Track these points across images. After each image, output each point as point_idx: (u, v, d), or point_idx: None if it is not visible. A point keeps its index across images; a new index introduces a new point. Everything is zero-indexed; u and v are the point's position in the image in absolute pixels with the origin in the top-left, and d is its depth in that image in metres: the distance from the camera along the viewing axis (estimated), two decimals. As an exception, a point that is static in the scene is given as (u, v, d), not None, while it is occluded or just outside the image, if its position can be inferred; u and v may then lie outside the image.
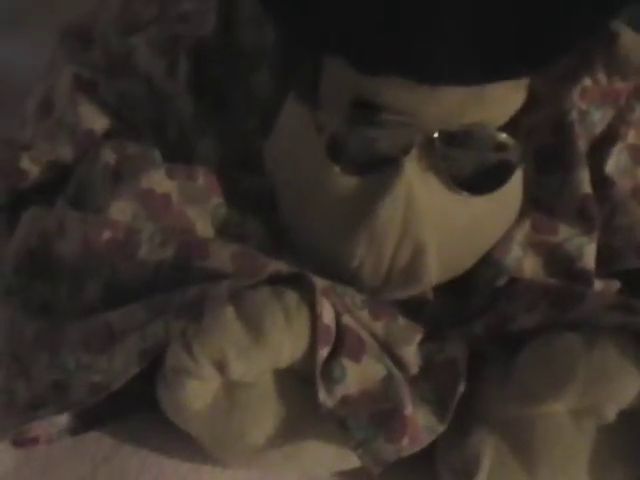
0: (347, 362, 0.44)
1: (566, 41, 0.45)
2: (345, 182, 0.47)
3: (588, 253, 0.51)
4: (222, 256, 0.47)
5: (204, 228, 0.50)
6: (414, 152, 0.46)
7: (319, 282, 0.45)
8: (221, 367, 0.43)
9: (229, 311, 0.43)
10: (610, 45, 0.51)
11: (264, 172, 0.52)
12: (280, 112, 0.52)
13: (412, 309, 0.49)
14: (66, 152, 0.53)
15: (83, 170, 0.53)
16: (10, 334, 0.48)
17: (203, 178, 0.51)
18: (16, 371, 0.47)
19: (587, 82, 0.52)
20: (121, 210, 0.49)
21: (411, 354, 0.47)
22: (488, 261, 0.50)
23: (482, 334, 0.48)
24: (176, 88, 0.55)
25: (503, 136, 0.48)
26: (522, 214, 0.51)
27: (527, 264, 0.51)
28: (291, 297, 0.44)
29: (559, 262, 0.51)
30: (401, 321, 0.48)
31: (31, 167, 0.54)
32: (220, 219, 0.51)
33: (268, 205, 0.51)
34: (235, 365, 0.43)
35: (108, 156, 0.52)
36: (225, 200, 0.51)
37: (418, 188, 0.47)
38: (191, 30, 0.56)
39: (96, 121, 0.54)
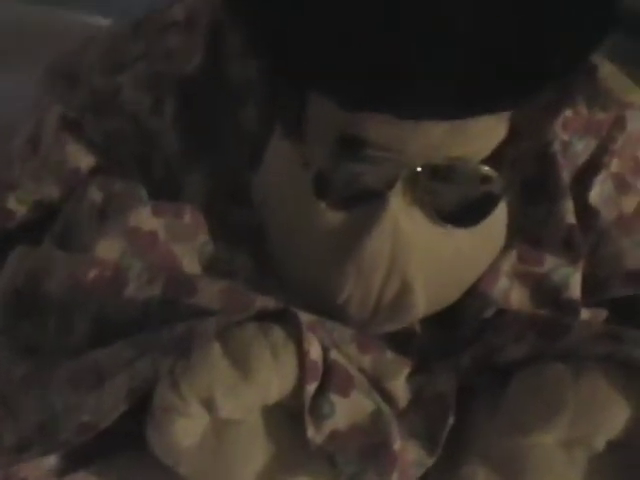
0: (335, 397, 0.44)
1: (549, 75, 0.45)
2: (331, 217, 0.48)
3: (574, 283, 0.51)
4: (209, 293, 0.48)
5: (191, 265, 0.50)
6: (399, 186, 0.47)
7: (306, 317, 0.45)
8: (209, 405, 0.43)
9: (216, 348, 0.43)
10: (590, 77, 0.52)
11: (252, 206, 0.52)
12: (267, 147, 0.52)
13: (400, 342, 0.49)
14: (52, 191, 0.54)
15: (69, 209, 0.53)
16: None
17: (190, 215, 0.52)
18: (3, 413, 0.46)
19: (568, 113, 0.53)
20: (108, 248, 0.49)
21: (399, 388, 0.47)
22: (474, 293, 0.50)
23: (470, 366, 0.48)
24: (162, 126, 0.55)
25: (486, 169, 0.49)
26: (508, 245, 0.52)
27: (514, 295, 0.51)
28: (278, 334, 0.44)
29: (545, 292, 0.52)
30: (389, 355, 0.48)
31: (18, 207, 0.54)
32: (207, 256, 0.51)
33: (256, 238, 0.51)
34: (223, 403, 0.43)
35: (95, 194, 0.52)
36: (212, 236, 0.51)
37: (403, 222, 0.47)
38: (177, 66, 0.56)
39: (82, 160, 0.54)
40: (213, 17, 0.56)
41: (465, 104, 0.45)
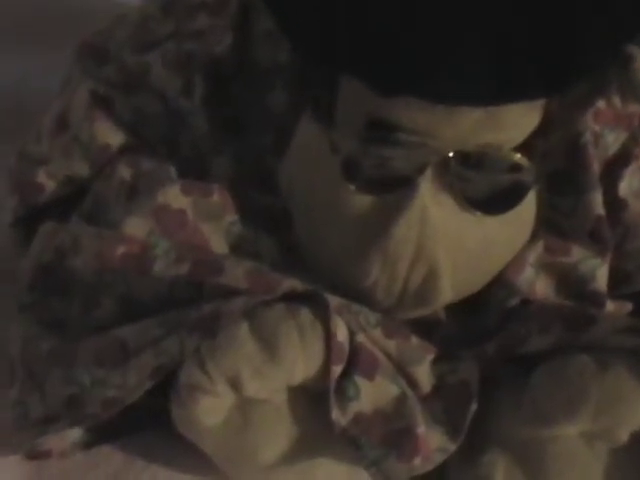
0: (361, 380, 0.44)
1: (584, 64, 0.45)
2: (359, 201, 0.47)
3: (600, 275, 0.51)
4: (236, 273, 0.48)
5: (218, 245, 0.50)
6: (429, 172, 0.47)
7: (333, 300, 0.45)
8: (235, 384, 0.44)
9: (243, 328, 0.43)
10: (625, 68, 0.52)
11: (278, 190, 0.52)
12: (295, 131, 0.52)
13: (424, 328, 0.49)
14: (82, 167, 0.54)
15: (99, 185, 0.53)
16: (25, 349, 0.48)
17: (218, 195, 0.52)
18: (30, 385, 0.47)
19: (601, 104, 0.52)
20: (136, 226, 0.49)
21: (423, 374, 0.47)
22: (501, 282, 0.50)
23: (494, 355, 0.48)
24: (191, 106, 0.55)
25: (518, 157, 0.48)
26: (535, 235, 0.51)
27: (539, 285, 0.51)
28: (305, 315, 0.44)
29: (572, 284, 0.51)
30: (414, 340, 0.48)
31: (47, 181, 0.54)
32: (234, 236, 0.51)
33: (282, 223, 0.51)
34: (249, 382, 0.43)
35: (124, 172, 0.52)
36: (239, 217, 0.51)
37: (432, 208, 0.47)
38: (206, 47, 0.56)
39: (112, 137, 0.54)
40: None
41: (498, 91, 0.44)
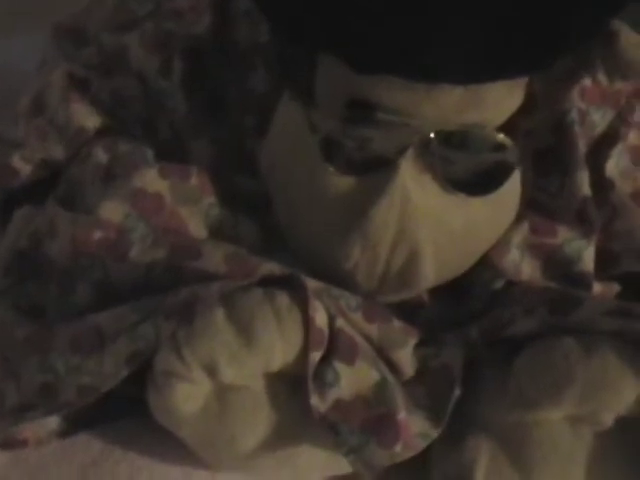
0: (340, 366, 0.44)
1: (566, 41, 0.44)
2: (339, 182, 0.47)
3: (587, 256, 0.50)
4: (214, 257, 0.47)
5: (197, 228, 0.50)
6: (410, 153, 0.46)
7: (312, 283, 0.45)
8: (211, 371, 0.43)
9: (220, 314, 0.43)
10: (610, 44, 0.51)
11: (259, 173, 0.51)
12: (275, 112, 0.51)
13: (407, 312, 0.48)
14: (57, 150, 0.53)
15: (74, 169, 0.52)
16: (0, 335, 0.47)
17: (196, 178, 0.51)
18: (5, 372, 0.46)
19: (587, 82, 0.51)
20: (112, 210, 0.48)
21: (406, 358, 0.47)
22: (485, 264, 0.49)
23: (478, 338, 0.47)
24: (170, 87, 0.54)
25: (501, 137, 0.47)
26: (520, 216, 0.50)
27: (525, 267, 0.50)
28: (282, 300, 0.43)
29: (557, 265, 0.51)
30: (396, 324, 0.47)
31: (22, 165, 0.53)
32: (213, 220, 0.50)
33: (262, 206, 0.50)
34: (225, 369, 0.43)
35: (100, 155, 0.51)
36: (218, 200, 0.50)
37: (414, 190, 0.46)
38: (185, 27, 0.55)
39: (88, 119, 0.53)
40: None
41: (480, 68, 0.43)
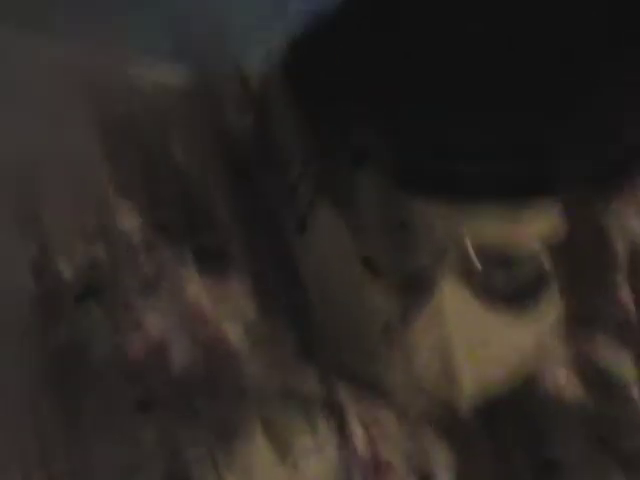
0: None
1: (620, 163, 0.44)
2: (381, 301, 0.47)
3: (628, 369, 0.50)
4: (254, 370, 0.47)
5: (236, 338, 0.50)
6: (448, 266, 0.46)
7: (357, 407, 0.44)
8: (249, 490, 0.43)
9: (259, 436, 0.43)
10: None
11: (299, 282, 0.51)
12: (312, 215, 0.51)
13: (447, 431, 0.48)
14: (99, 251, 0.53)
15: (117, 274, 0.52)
16: None
17: (237, 283, 0.51)
18: None
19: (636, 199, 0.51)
20: (157, 322, 0.49)
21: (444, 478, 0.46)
22: (528, 381, 0.49)
23: (516, 459, 0.47)
24: (210, 187, 0.54)
25: (538, 249, 0.47)
26: (560, 331, 0.50)
27: (566, 383, 0.50)
28: (322, 423, 0.43)
29: (597, 377, 0.50)
30: (435, 443, 0.47)
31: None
32: (252, 327, 0.50)
33: (303, 317, 0.51)
34: (263, 489, 0.42)
35: (141, 261, 0.51)
36: (259, 312, 0.50)
37: (451, 303, 0.46)
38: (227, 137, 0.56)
39: (131, 225, 0.54)
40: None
41: (513, 195, 0.44)
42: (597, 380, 0.50)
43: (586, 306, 0.51)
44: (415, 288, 0.46)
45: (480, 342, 0.47)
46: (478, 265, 0.46)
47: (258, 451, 0.42)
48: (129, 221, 0.54)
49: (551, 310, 0.49)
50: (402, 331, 0.46)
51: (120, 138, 0.59)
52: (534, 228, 0.47)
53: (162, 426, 0.45)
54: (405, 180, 0.45)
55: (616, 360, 0.50)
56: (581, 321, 0.50)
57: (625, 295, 0.50)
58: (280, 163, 0.55)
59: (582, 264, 0.51)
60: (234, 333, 0.50)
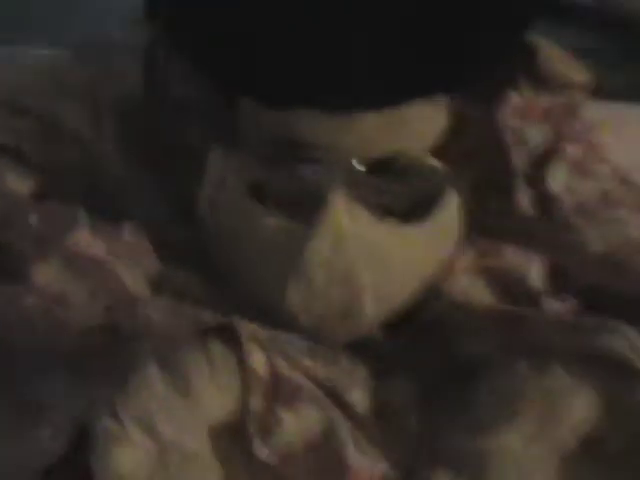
0: (283, 412, 0.42)
1: (475, 56, 0.44)
2: (271, 223, 0.46)
3: (534, 273, 0.49)
4: (151, 314, 0.46)
5: (136, 285, 0.48)
6: (339, 186, 0.45)
7: (255, 329, 0.43)
8: (149, 429, 0.41)
9: (153, 370, 0.41)
10: (531, 60, 0.50)
11: (195, 223, 0.51)
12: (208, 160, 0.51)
13: (358, 350, 0.47)
14: None
15: (4, 234, 0.51)
16: None
17: (130, 234, 0.50)
18: None
19: (516, 100, 0.51)
20: (47, 274, 0.47)
21: (358, 398, 0.45)
22: (433, 292, 0.48)
23: (432, 369, 0.46)
24: (105, 148, 0.54)
25: (431, 162, 0.47)
26: (465, 240, 0.49)
27: (474, 290, 0.49)
28: (216, 349, 0.42)
29: (506, 285, 0.49)
30: (346, 365, 0.46)
31: None
32: (152, 274, 0.49)
33: (200, 255, 0.50)
34: (164, 425, 0.41)
35: (32, 219, 0.50)
36: (157, 254, 0.49)
37: (347, 223, 0.45)
38: (116, 87, 0.55)
39: (21, 186, 0.53)
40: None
41: (387, 91, 0.43)
42: (508, 288, 0.49)
43: (489, 215, 0.50)
44: (305, 207, 0.45)
45: (378, 260, 0.46)
46: (363, 169, 0.45)
47: (155, 391, 0.41)
48: (19, 183, 0.53)
49: (452, 223, 0.49)
50: (297, 254, 0.45)
51: (12, 109, 0.57)
52: (418, 137, 0.47)
53: (57, 377, 0.44)
54: (277, 98, 0.44)
55: (526, 267, 0.49)
56: (485, 230, 0.50)
57: (522, 198, 0.50)
58: (174, 114, 0.54)
59: (480, 173, 0.51)
60: (130, 278, 0.48)
